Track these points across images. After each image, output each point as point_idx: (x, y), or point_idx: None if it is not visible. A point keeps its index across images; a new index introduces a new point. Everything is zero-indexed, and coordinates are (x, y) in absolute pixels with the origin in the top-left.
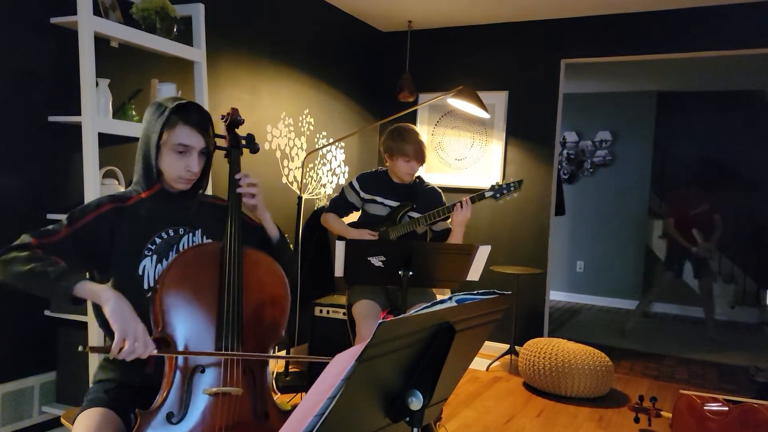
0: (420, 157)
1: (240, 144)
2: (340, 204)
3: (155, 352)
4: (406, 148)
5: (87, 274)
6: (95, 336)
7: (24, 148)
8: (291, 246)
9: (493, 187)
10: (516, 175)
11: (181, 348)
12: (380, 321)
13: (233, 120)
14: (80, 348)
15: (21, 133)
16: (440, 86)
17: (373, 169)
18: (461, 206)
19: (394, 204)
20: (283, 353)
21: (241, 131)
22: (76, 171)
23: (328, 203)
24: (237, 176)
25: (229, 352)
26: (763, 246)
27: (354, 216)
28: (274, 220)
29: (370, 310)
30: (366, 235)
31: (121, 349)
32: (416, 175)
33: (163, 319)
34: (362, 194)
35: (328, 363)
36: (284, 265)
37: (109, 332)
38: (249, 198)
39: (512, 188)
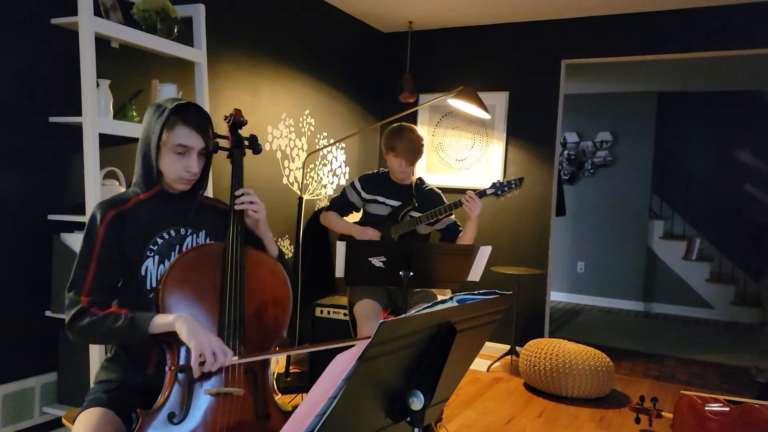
0: (410, 156)
1: (243, 145)
2: (340, 203)
3: (235, 359)
4: (396, 144)
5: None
6: None
7: (25, 149)
8: (291, 249)
9: (494, 184)
10: (516, 175)
11: (183, 347)
12: (381, 321)
13: (236, 121)
14: (167, 368)
15: (22, 134)
16: (441, 87)
17: (375, 171)
18: (468, 200)
19: (395, 204)
20: (284, 353)
21: (244, 132)
22: (76, 171)
23: (328, 203)
24: (237, 193)
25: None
26: (763, 246)
27: (354, 217)
28: (274, 220)
29: (371, 310)
30: (370, 233)
31: (202, 363)
32: (417, 176)
33: None
34: (363, 194)
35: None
36: None
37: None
38: (250, 213)
39: (513, 185)
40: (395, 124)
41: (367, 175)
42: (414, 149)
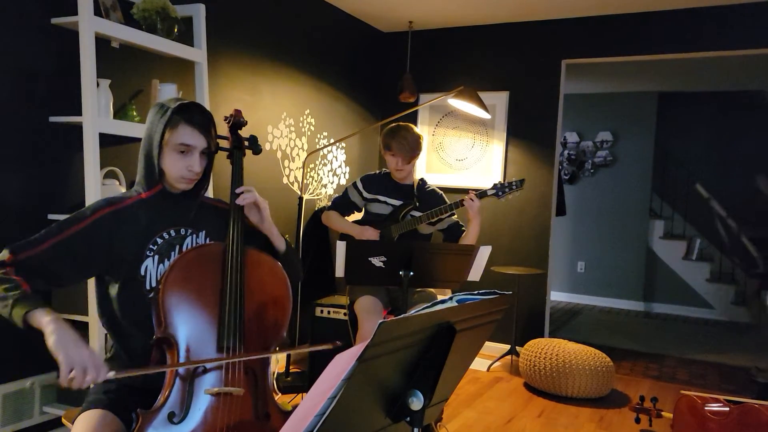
0: (405, 153)
1: (243, 145)
2: (342, 203)
3: (111, 374)
4: (391, 143)
5: (98, 279)
6: (96, 336)
7: (25, 149)
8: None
9: (495, 185)
10: (517, 175)
11: (183, 347)
12: (381, 321)
13: (236, 121)
14: (28, 385)
15: (22, 134)
16: (441, 86)
17: (378, 171)
18: (470, 200)
19: (396, 203)
20: (283, 354)
21: (244, 132)
22: (76, 171)
23: (329, 202)
24: (238, 191)
25: (225, 358)
26: (763, 246)
27: (355, 217)
28: (274, 220)
29: (372, 306)
30: (369, 231)
31: (71, 380)
32: (420, 177)
33: (165, 319)
34: (365, 194)
35: (329, 352)
36: (293, 273)
37: (111, 332)
38: (252, 210)
39: (514, 187)
40: (393, 124)
41: (369, 175)
42: (409, 146)
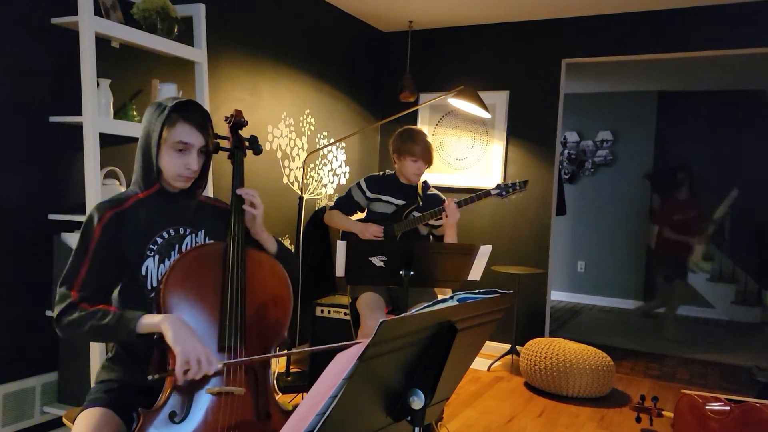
0: (427, 158)
1: (243, 145)
2: (345, 202)
3: (220, 366)
4: (414, 148)
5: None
6: None
7: (25, 149)
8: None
9: (498, 185)
10: (517, 175)
11: None
12: (381, 320)
13: (237, 121)
14: (149, 377)
15: (22, 134)
16: (441, 86)
17: (381, 172)
18: (447, 207)
19: (400, 202)
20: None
21: (244, 132)
22: (77, 171)
23: (330, 202)
24: (239, 191)
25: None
26: (763, 246)
27: (358, 217)
28: (274, 219)
29: (375, 303)
30: (373, 227)
31: (186, 371)
32: (423, 180)
33: None
34: (368, 193)
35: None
36: (290, 271)
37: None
38: (249, 209)
39: (518, 187)
40: (404, 128)
41: (372, 176)
42: (429, 150)
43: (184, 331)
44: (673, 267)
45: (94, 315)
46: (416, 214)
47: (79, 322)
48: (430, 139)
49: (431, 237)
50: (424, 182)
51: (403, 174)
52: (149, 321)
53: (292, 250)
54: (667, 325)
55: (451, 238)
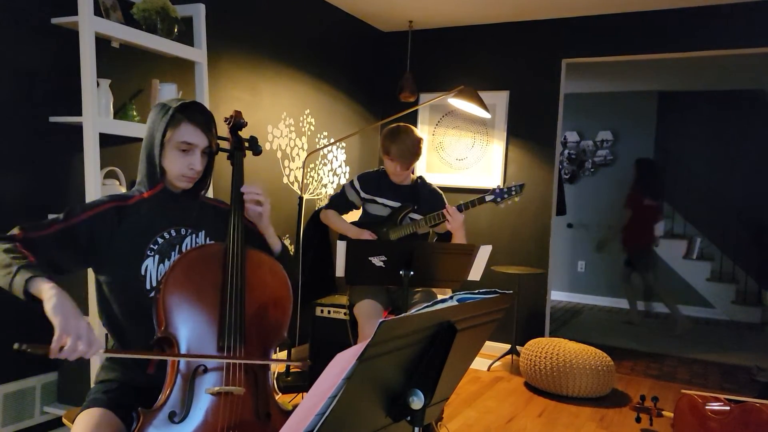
0: (404, 160)
1: (243, 146)
2: (340, 201)
3: (101, 352)
4: (391, 147)
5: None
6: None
7: (25, 149)
8: (291, 249)
9: (494, 191)
10: (517, 175)
11: (183, 347)
12: (381, 320)
13: (237, 122)
14: (15, 346)
15: (22, 134)
16: (441, 86)
17: (375, 169)
18: (448, 214)
19: (394, 205)
20: (284, 354)
21: (244, 133)
22: (77, 171)
23: (328, 200)
24: (242, 189)
25: (226, 356)
26: (764, 245)
27: (354, 214)
28: (274, 219)
29: (372, 310)
30: (366, 236)
31: (62, 348)
32: (418, 175)
33: (166, 318)
34: (362, 194)
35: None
36: (289, 274)
37: (111, 332)
38: (254, 207)
39: (513, 192)
40: (393, 125)
41: (366, 174)
42: (409, 153)
43: (69, 305)
44: (636, 260)
45: (13, 251)
46: (413, 216)
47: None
48: (426, 138)
49: (434, 235)
50: (419, 178)
51: (389, 173)
52: (42, 284)
53: (293, 250)
54: (677, 322)
55: (459, 240)
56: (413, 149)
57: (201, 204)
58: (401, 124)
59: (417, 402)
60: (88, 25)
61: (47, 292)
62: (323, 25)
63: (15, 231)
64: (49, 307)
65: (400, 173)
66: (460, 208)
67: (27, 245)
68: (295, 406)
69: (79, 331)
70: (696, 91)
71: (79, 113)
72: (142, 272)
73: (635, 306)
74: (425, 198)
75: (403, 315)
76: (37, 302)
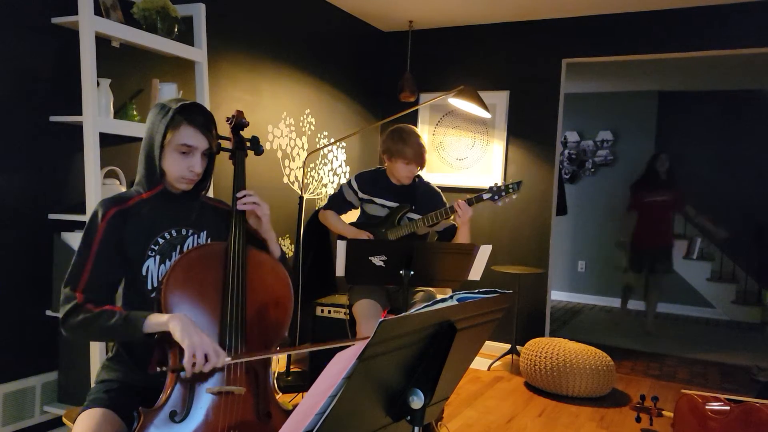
0: (420, 160)
1: (245, 146)
2: (338, 201)
3: (228, 360)
4: (406, 150)
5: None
6: None
7: (25, 148)
8: (292, 249)
9: (491, 189)
10: (517, 175)
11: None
12: (381, 319)
13: (238, 122)
14: (158, 369)
15: (22, 133)
16: (441, 86)
17: (372, 168)
18: (459, 208)
19: (392, 205)
20: (284, 354)
21: (246, 133)
22: (77, 171)
23: (326, 200)
24: (239, 195)
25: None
26: (764, 246)
27: (353, 214)
28: (274, 219)
29: (370, 310)
30: (363, 237)
31: (194, 364)
32: (415, 174)
33: None
34: (360, 194)
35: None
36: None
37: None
38: (253, 211)
39: (511, 190)
40: (395, 127)
41: (363, 173)
42: (422, 151)
43: (191, 326)
44: (652, 262)
45: (100, 316)
46: (413, 216)
47: (85, 325)
48: (426, 137)
49: (434, 234)
50: (417, 177)
51: (393, 175)
52: (156, 320)
53: (293, 250)
54: (647, 317)
55: (464, 236)
56: (423, 147)
57: (201, 204)
58: (402, 125)
59: (417, 401)
60: (89, 25)
61: (169, 323)
62: (323, 25)
63: (70, 295)
64: (177, 334)
65: (412, 174)
66: (470, 202)
67: (92, 300)
68: (295, 406)
69: (205, 346)
70: (696, 91)
71: (80, 113)
72: (143, 273)
73: (654, 309)
74: (423, 198)
75: (403, 314)
76: (153, 336)
